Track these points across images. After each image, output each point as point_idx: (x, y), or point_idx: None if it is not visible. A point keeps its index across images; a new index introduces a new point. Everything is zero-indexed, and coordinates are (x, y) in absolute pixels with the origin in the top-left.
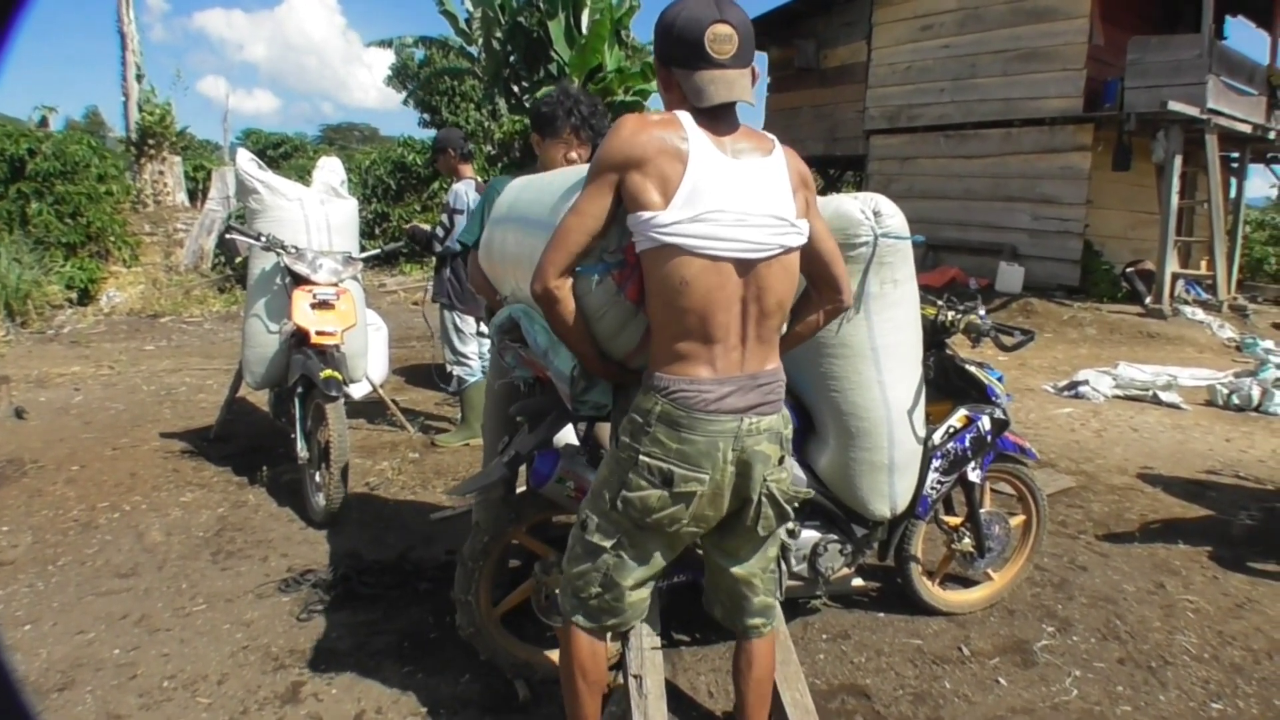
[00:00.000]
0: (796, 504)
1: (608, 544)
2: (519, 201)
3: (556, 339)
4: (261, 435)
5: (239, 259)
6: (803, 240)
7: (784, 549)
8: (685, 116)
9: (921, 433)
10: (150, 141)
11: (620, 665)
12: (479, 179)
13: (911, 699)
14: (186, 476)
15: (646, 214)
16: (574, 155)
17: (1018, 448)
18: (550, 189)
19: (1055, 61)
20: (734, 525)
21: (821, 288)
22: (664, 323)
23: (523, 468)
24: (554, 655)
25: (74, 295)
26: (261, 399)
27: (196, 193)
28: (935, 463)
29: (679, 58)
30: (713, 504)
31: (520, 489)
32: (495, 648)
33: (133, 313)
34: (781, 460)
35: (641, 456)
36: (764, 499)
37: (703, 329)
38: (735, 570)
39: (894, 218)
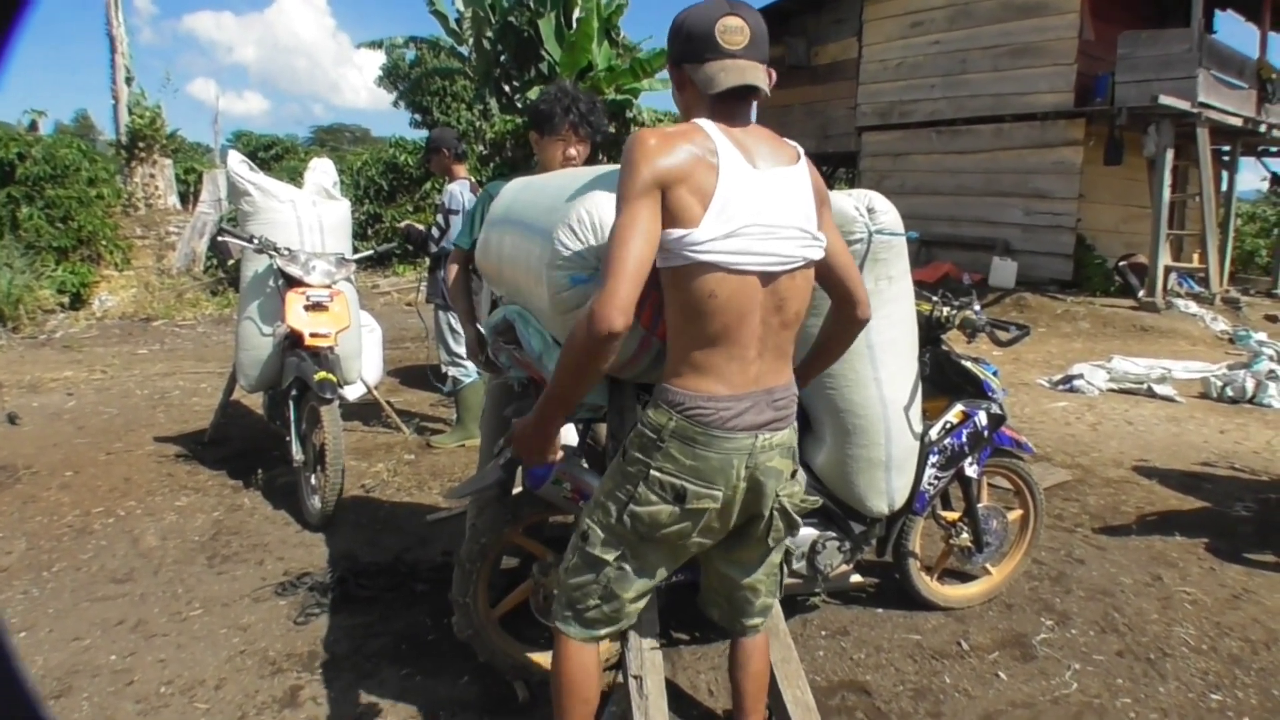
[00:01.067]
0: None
1: (610, 557)
2: (516, 203)
3: (550, 343)
4: (256, 438)
5: (231, 262)
6: (823, 253)
7: (786, 552)
8: (707, 124)
9: (918, 429)
10: (140, 144)
11: (620, 665)
12: (473, 179)
13: (912, 694)
14: (181, 481)
15: (679, 231)
16: (572, 152)
17: (1014, 442)
18: (548, 191)
19: (1046, 57)
20: (742, 537)
21: (839, 303)
22: (683, 333)
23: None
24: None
25: (65, 300)
26: (255, 402)
27: (188, 195)
28: (932, 459)
29: (691, 52)
30: (721, 518)
31: (516, 490)
32: (493, 649)
33: (125, 316)
34: (794, 474)
35: (653, 472)
36: (776, 513)
37: (724, 340)
38: (741, 580)
39: (888, 214)
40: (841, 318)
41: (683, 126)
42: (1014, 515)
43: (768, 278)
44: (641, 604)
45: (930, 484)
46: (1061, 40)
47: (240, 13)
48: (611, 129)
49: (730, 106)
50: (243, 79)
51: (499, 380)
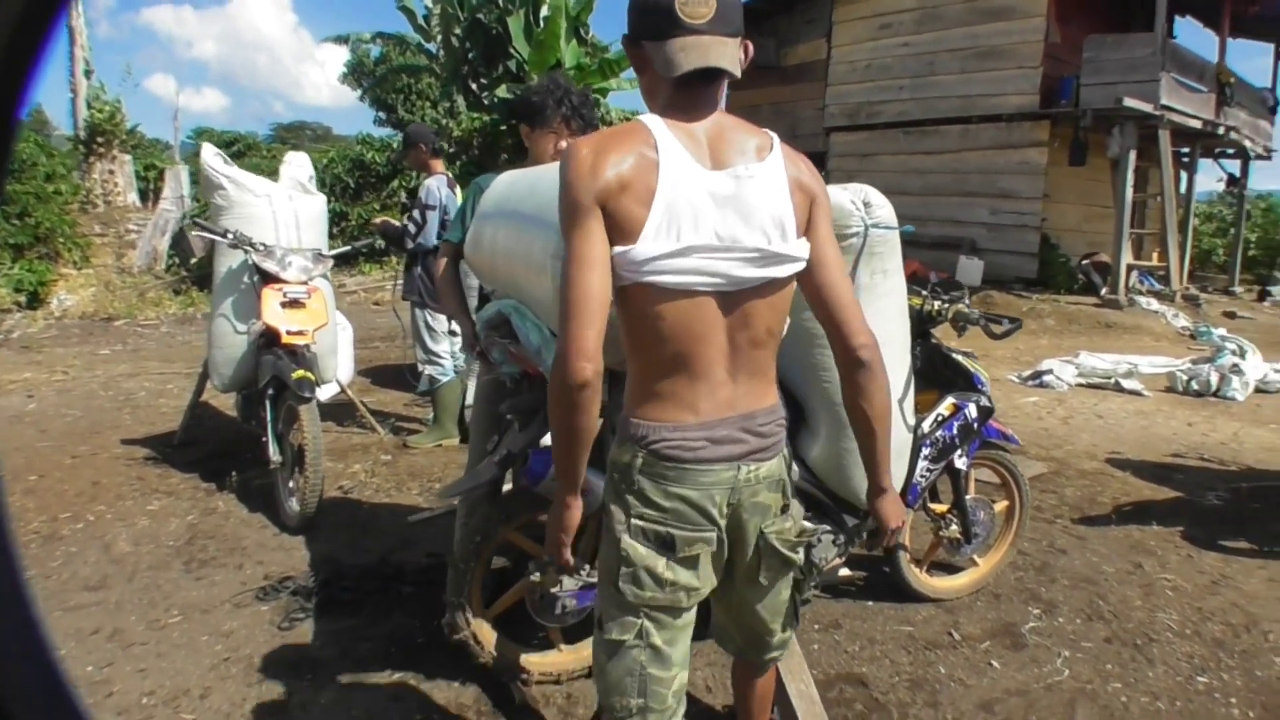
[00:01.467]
0: (804, 547)
1: (629, 636)
2: (510, 196)
3: (548, 337)
4: (227, 440)
5: (194, 260)
6: (797, 268)
7: (797, 583)
8: (653, 121)
9: (911, 421)
10: (100, 139)
11: None
12: (450, 174)
13: (908, 685)
14: (152, 484)
15: (620, 247)
16: (564, 145)
17: (1001, 434)
18: (545, 183)
19: (1012, 59)
20: (732, 578)
21: (829, 332)
22: (639, 359)
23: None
24: (548, 656)
25: (22, 299)
26: (225, 402)
27: (147, 193)
28: (925, 451)
29: (649, 28)
30: (716, 562)
31: (507, 487)
32: (489, 651)
33: (85, 316)
34: (785, 509)
35: (634, 521)
36: (762, 550)
37: (684, 363)
38: (749, 621)
39: (884, 209)
40: (838, 359)
41: (622, 128)
42: (1000, 507)
43: (725, 297)
44: (684, 678)
45: (922, 476)
46: (1028, 43)
47: (201, 7)
48: None
49: (694, 92)
50: (202, 75)
51: (490, 376)
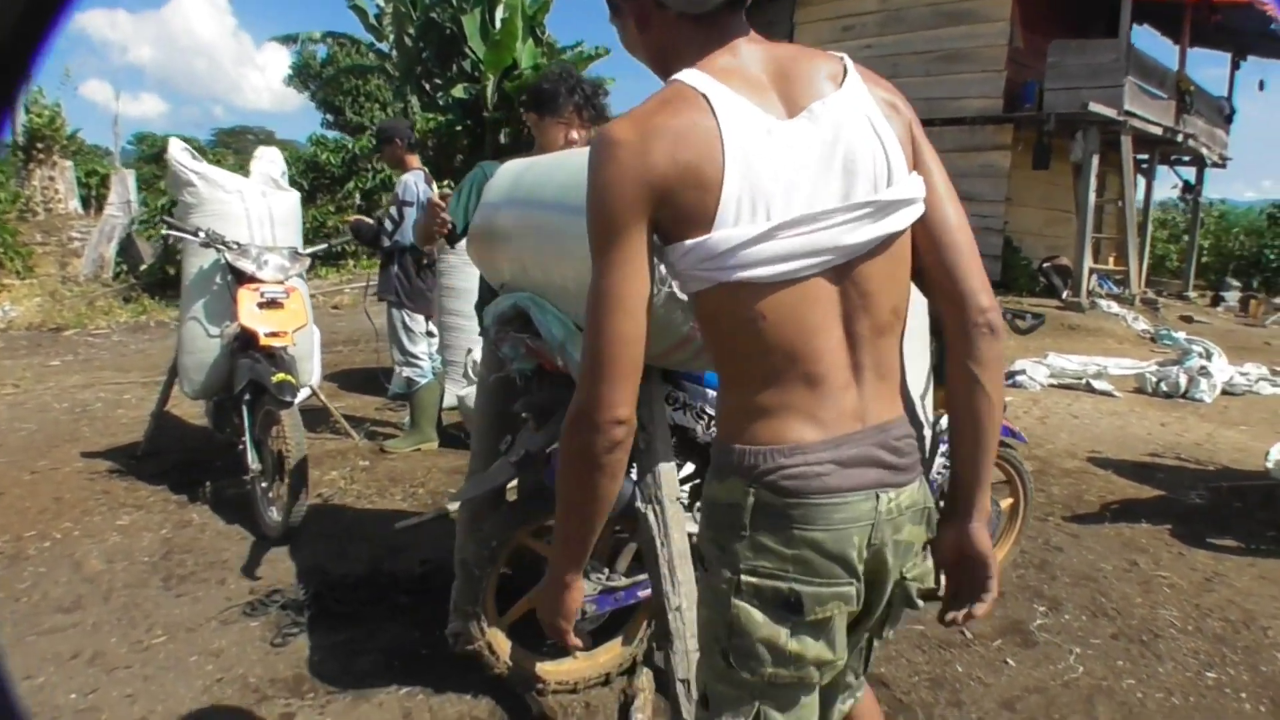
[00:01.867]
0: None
1: None
2: (520, 184)
3: (573, 330)
4: (193, 449)
5: (144, 266)
6: (916, 213)
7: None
8: (696, 78)
9: (930, 418)
10: (39, 145)
11: (631, 671)
12: (427, 169)
13: (929, 684)
14: (119, 498)
15: (690, 242)
16: (575, 136)
17: (1009, 431)
18: (563, 170)
19: (976, 63)
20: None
21: (938, 284)
22: (733, 371)
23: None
24: (564, 665)
25: None
26: (188, 410)
27: (90, 199)
28: (942, 448)
29: None
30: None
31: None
32: (504, 661)
33: (32, 327)
34: (925, 545)
35: (744, 577)
36: (894, 601)
37: (795, 368)
38: (836, 678)
39: None
40: (951, 324)
41: (661, 97)
42: (1004, 503)
43: (837, 274)
44: None
45: (939, 473)
46: (991, 47)
47: (135, 10)
48: None
49: (724, 24)
50: (138, 80)
51: (498, 375)
